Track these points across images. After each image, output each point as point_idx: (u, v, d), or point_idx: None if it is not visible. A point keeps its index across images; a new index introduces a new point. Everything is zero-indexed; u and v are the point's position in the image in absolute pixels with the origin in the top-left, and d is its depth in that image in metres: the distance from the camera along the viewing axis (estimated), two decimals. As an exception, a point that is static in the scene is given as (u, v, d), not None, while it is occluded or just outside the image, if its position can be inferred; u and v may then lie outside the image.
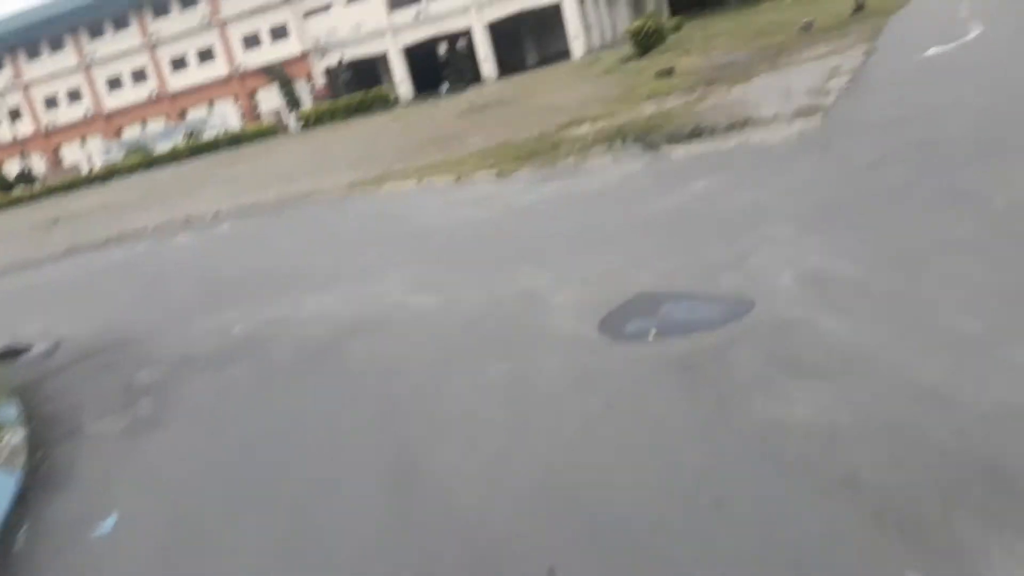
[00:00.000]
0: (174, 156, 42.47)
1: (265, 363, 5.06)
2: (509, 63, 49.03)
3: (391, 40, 48.88)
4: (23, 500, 3.52)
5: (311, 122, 39.91)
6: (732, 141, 8.30)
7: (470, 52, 51.50)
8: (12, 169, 55.04)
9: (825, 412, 2.80)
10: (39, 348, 6.90)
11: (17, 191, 46.57)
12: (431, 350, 4.52)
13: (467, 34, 49.72)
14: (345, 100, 41.70)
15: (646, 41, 23.59)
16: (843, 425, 2.70)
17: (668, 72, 16.56)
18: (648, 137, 9.90)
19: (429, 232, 8.04)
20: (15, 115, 56.10)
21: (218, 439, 4.02)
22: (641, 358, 3.62)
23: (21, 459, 3.88)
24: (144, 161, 43.37)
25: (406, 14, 48.29)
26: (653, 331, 3.88)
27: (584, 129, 12.44)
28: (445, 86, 44.66)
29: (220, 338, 5.97)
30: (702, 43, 23.23)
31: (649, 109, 12.62)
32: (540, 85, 25.86)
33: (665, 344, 3.71)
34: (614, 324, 4.16)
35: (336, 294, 6.39)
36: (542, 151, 11.35)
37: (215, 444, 3.97)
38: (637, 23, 24.46)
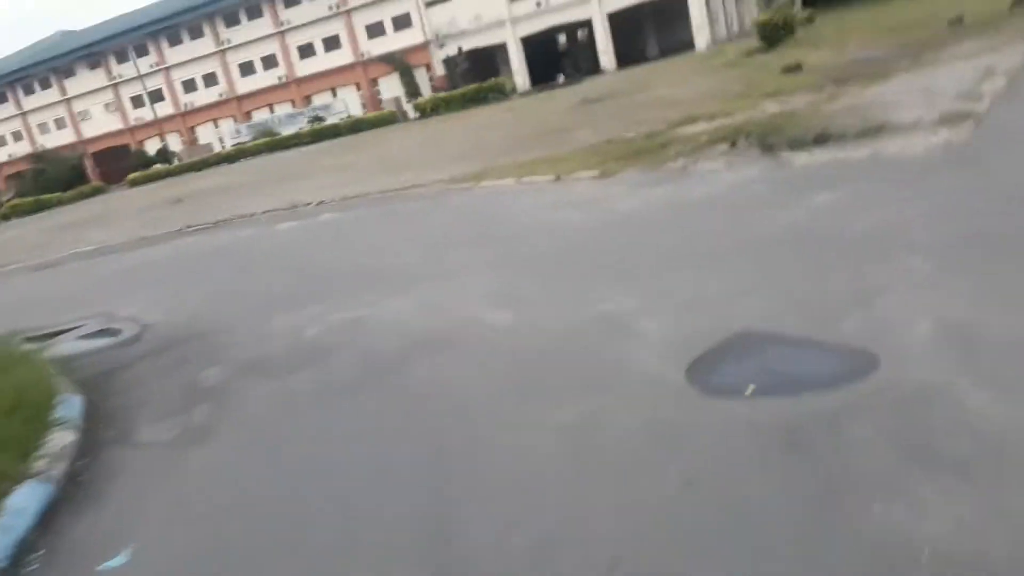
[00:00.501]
0: (297, 140, 44.05)
1: (327, 376, 4.75)
2: (629, 54, 47.86)
3: (510, 30, 48.71)
4: (48, 518, 3.33)
5: (427, 111, 40.31)
6: (864, 150, 7.33)
7: (589, 43, 50.67)
8: (153, 147, 58.94)
9: (969, 531, 2.13)
10: (126, 334, 6.95)
11: (155, 168, 49.72)
12: (496, 383, 4.05)
13: (587, 24, 48.93)
14: (461, 90, 41.88)
15: (774, 34, 22.16)
16: (995, 556, 2.02)
17: (796, 68, 15.36)
18: (767, 140, 9.03)
19: (518, 236, 7.58)
20: (156, 97, 59.83)
21: (259, 464, 3.72)
22: (734, 421, 3.01)
23: (62, 466, 3.72)
24: (269, 143, 45.26)
25: (526, 4, 47.98)
26: (752, 386, 3.24)
27: (698, 127, 11.62)
28: (562, 77, 44.06)
29: (292, 340, 5.75)
30: (835, 37, 21.55)
31: (771, 108, 11.64)
32: (658, 78, 24.87)
33: (765, 405, 3.08)
34: (707, 369, 3.55)
35: (413, 299, 6.04)
36: (650, 150, 10.66)
37: (255, 470, 3.67)
38: (765, 15, 23.02)
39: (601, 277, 5.45)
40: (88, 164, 60.24)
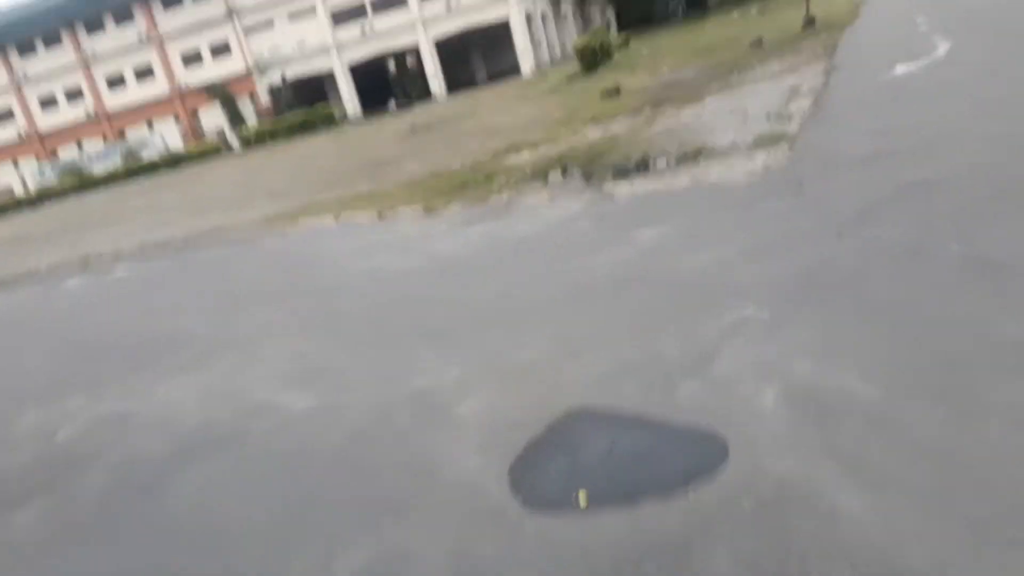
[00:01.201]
0: (111, 178, 40.32)
1: (64, 508, 3.70)
2: (459, 79, 48.03)
3: (336, 57, 47.48)
4: None
5: (253, 141, 38.23)
6: (684, 177, 7.15)
7: (418, 69, 50.38)
8: (-65, 192, 52.07)
9: None
10: None
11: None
12: (275, 505, 3.22)
13: (415, 51, 48.62)
14: (288, 119, 40.13)
15: (592, 59, 22.65)
16: None
17: (614, 92, 15.55)
18: (590, 169, 8.77)
19: (332, 288, 6.75)
20: (-62, 136, 53.05)
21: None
22: (565, 553, 2.39)
23: None
24: (79, 183, 41.11)
25: (351, 30, 46.97)
26: (584, 493, 2.65)
27: (523, 157, 11.29)
28: (392, 103, 43.43)
29: (39, 445, 4.60)
30: (650, 60, 22.37)
31: (593, 134, 11.53)
32: (485, 104, 24.77)
33: (601, 524, 2.49)
34: (534, 468, 2.93)
35: (198, 379, 5.05)
36: (475, 183, 10.16)
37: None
38: (583, 40, 23.50)
39: (419, 340, 4.75)
40: None
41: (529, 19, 45.35)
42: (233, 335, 5.99)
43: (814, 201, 5.56)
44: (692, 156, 7.81)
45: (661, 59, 21.69)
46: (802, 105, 9.10)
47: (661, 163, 7.97)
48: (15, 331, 8.73)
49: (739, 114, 9.54)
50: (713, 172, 6.98)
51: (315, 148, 25.35)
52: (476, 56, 52.30)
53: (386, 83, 52.14)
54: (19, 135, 51.87)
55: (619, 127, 11.48)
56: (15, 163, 52.61)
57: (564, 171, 9.13)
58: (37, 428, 4.91)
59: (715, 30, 27.76)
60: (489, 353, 4.25)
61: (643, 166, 8.08)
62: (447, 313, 5.18)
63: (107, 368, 5.95)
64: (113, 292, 9.50)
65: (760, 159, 6.93)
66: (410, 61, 52.49)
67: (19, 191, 48.34)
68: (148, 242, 12.52)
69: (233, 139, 39.89)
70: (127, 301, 8.75)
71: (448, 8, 44.62)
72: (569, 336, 4.19)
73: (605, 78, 19.70)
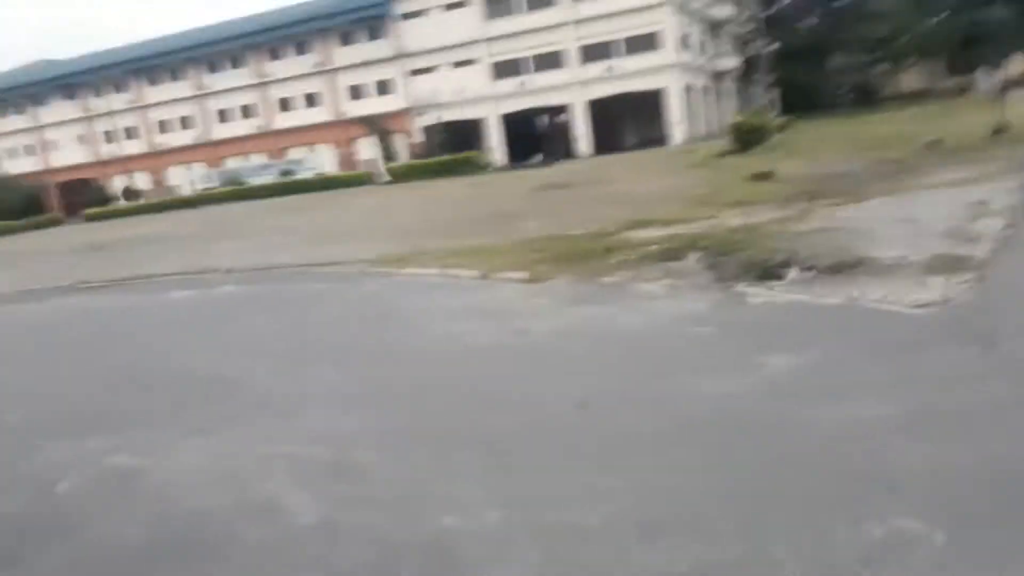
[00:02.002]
0: (265, 191, 42.64)
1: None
2: (607, 142, 47.74)
3: (491, 106, 48.57)
4: None
5: (399, 176, 39.35)
6: (837, 294, 5.94)
7: (568, 127, 50.59)
8: (122, 183, 57.26)
9: None
10: None
11: (113, 205, 47.95)
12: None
13: (567, 109, 48.94)
14: (435, 160, 41.09)
15: (748, 138, 21.43)
16: None
17: (765, 176, 14.32)
18: (723, 261, 7.68)
19: (405, 353, 6.04)
20: (130, 134, 58.52)
21: None
22: None
23: None
24: (235, 192, 43.81)
25: (510, 83, 47.95)
26: None
27: (651, 233, 10.32)
28: (538, 157, 43.59)
29: (36, 495, 4.08)
30: (809, 147, 20.84)
31: (734, 220, 10.39)
32: (626, 170, 23.99)
33: None
34: None
35: (217, 446, 4.41)
36: (592, 254, 9.28)
37: None
38: (739, 117, 22.36)
39: (474, 453, 3.88)
40: (53, 194, 58.30)
41: (687, 90, 44.59)
42: (276, 394, 5.35)
43: (1011, 359, 4.22)
44: (849, 267, 6.57)
45: (822, 148, 20.14)
46: (991, 225, 7.61)
47: (809, 270, 6.78)
48: (87, 341, 8.62)
49: (909, 224, 8.17)
50: (874, 292, 5.73)
51: (451, 191, 25.41)
52: (628, 120, 51.95)
53: (535, 136, 52.76)
54: (195, 141, 56.23)
55: (765, 216, 10.29)
56: (188, 165, 56.99)
57: (693, 258, 8.08)
58: (38, 473, 4.41)
59: (886, 124, 25.77)
60: (555, 500, 3.28)
61: (786, 269, 6.92)
62: (521, 420, 4.27)
63: (142, 406, 5.47)
64: (204, 312, 9.29)
65: (936, 286, 5.61)
66: (561, 119, 52.96)
67: (186, 191, 52.13)
68: (263, 264, 12.47)
69: (382, 171, 41.21)
70: (208, 326, 8.46)
71: (608, 71, 44.62)
72: (629, 509, 3.15)
73: (758, 160, 18.44)
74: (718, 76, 54.00)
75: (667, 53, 43.04)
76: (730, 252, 8.12)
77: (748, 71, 57.26)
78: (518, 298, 7.67)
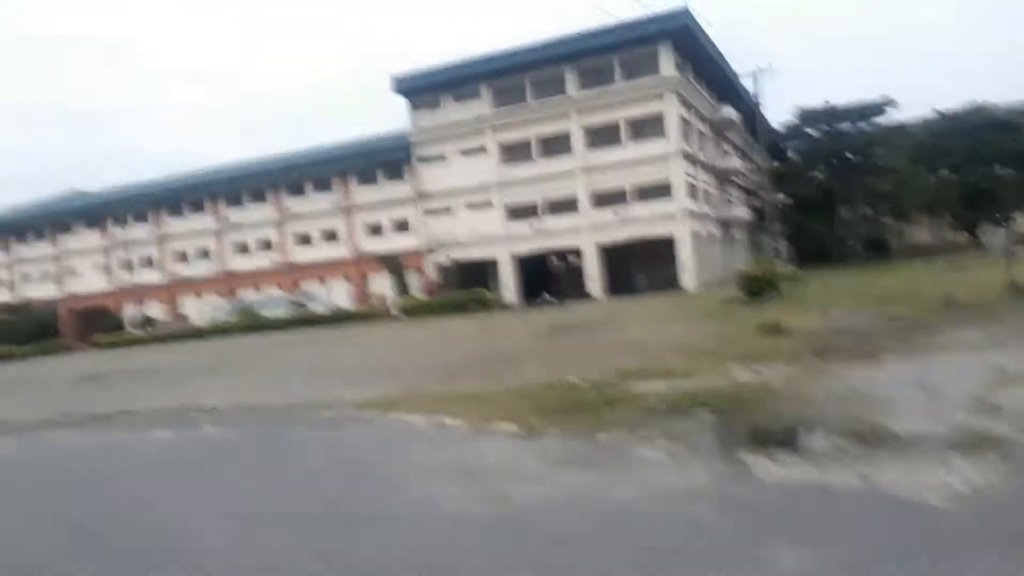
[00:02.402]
0: (275, 324, 42.76)
1: None
2: (619, 284, 48.10)
3: (504, 247, 49.42)
4: None
5: (410, 313, 39.45)
6: (850, 472, 5.33)
7: (579, 269, 51.25)
8: (136, 312, 57.83)
9: None
10: None
11: (123, 335, 48.12)
12: None
13: (578, 251, 49.75)
14: (446, 298, 41.36)
15: (756, 288, 21.27)
16: None
17: (774, 329, 13.92)
18: (727, 424, 7.13)
19: (364, 526, 5.43)
20: (147, 263, 59.73)
21: None
22: None
23: None
24: (246, 324, 43.96)
25: (523, 225, 49.02)
26: None
27: (653, 386, 9.82)
28: (548, 297, 43.78)
29: None
30: (819, 300, 20.58)
31: (740, 375, 9.90)
32: (635, 315, 23.78)
33: None
34: None
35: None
36: (590, 407, 8.76)
37: None
38: (747, 269, 22.32)
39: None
40: (68, 320, 58.80)
41: (697, 237, 45.36)
42: (222, 561, 4.73)
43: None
44: (864, 439, 6.00)
45: (832, 301, 19.87)
46: (1013, 396, 7.06)
47: (820, 440, 6.22)
48: (40, 489, 8.04)
49: (926, 390, 7.63)
50: (891, 473, 5.12)
51: (458, 329, 25.19)
52: (640, 264, 52.58)
53: (546, 277, 53.38)
54: (210, 273, 57.21)
55: (772, 373, 9.80)
56: (201, 295, 57.66)
57: (696, 418, 7.54)
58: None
59: (897, 278, 25.67)
60: None
61: (795, 438, 6.36)
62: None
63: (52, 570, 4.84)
64: (174, 458, 8.71)
65: (961, 469, 5.01)
66: (572, 261, 53.76)
67: (200, 322, 52.45)
68: (249, 403, 11.99)
69: (394, 308, 41.38)
70: (175, 475, 7.87)
71: (617, 217, 45.63)
72: None
73: (766, 311, 18.14)
74: (728, 224, 55.21)
75: (676, 201, 44.12)
76: (736, 413, 7.58)
77: (758, 220, 58.58)
78: (505, 455, 7.09)
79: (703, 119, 51.40)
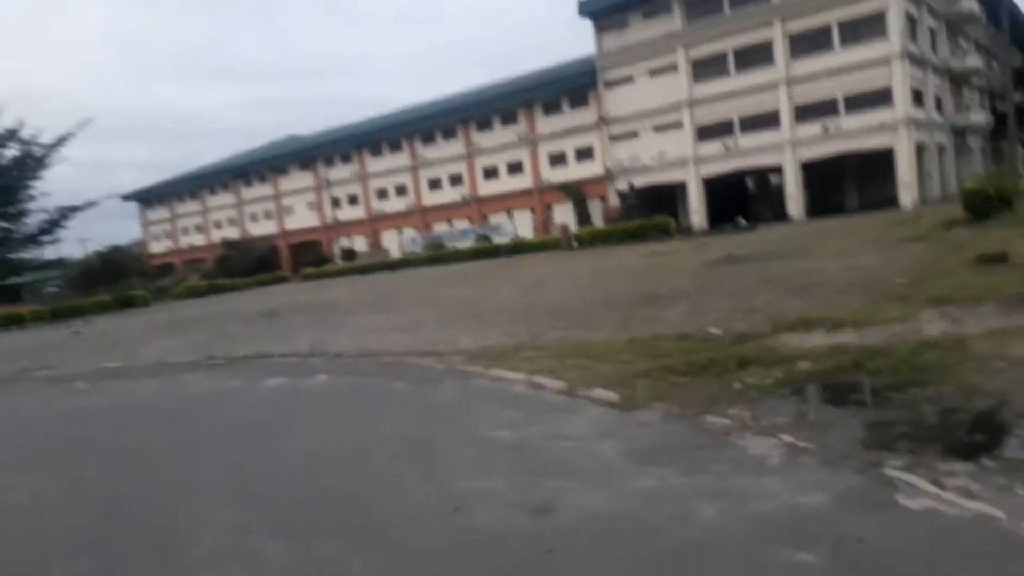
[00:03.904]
0: (458, 255, 43.49)
1: None
2: (823, 204, 43.37)
3: (692, 169, 46.27)
4: None
5: (585, 243, 38.16)
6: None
7: (778, 189, 46.75)
8: (342, 245, 62.02)
9: None
10: None
11: (326, 266, 51.52)
12: None
13: (777, 170, 45.23)
14: (623, 225, 39.42)
15: (983, 206, 17.30)
16: None
17: (997, 258, 10.89)
18: (888, 405, 5.15)
19: (388, 525, 4.34)
20: (352, 200, 63.37)
21: None
22: None
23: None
24: (433, 256, 45.15)
25: (713, 145, 45.41)
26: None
27: (812, 340, 7.81)
28: (740, 222, 40.25)
29: None
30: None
31: (933, 326, 7.56)
32: (832, 240, 20.64)
33: None
34: None
35: None
36: (720, 369, 7.03)
37: None
38: (973, 183, 18.20)
39: None
40: (285, 254, 64.47)
41: (920, 149, 39.23)
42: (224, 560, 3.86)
43: None
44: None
45: (1091, 219, 15.69)
46: None
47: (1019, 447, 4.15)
48: (120, 436, 7.82)
49: None
50: None
51: (625, 261, 23.50)
52: (849, 181, 46.99)
53: (739, 199, 49.34)
54: (407, 208, 59.44)
55: (978, 327, 7.36)
56: (399, 230, 60.34)
57: (844, 394, 5.63)
58: None
59: None
60: None
61: (981, 440, 4.32)
62: None
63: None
64: (263, 415, 8.21)
65: None
66: (773, 181, 49.08)
67: (395, 254, 54.99)
68: (372, 348, 11.46)
69: (570, 238, 40.20)
70: (252, 434, 7.31)
71: (824, 131, 40.61)
72: None
73: (993, 235, 14.62)
74: (962, 133, 47.34)
75: (897, 109, 38.23)
76: (906, 390, 5.53)
77: (1001, 127, 49.70)
78: (588, 435, 5.67)
79: (934, 14, 43.76)
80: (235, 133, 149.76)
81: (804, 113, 41.70)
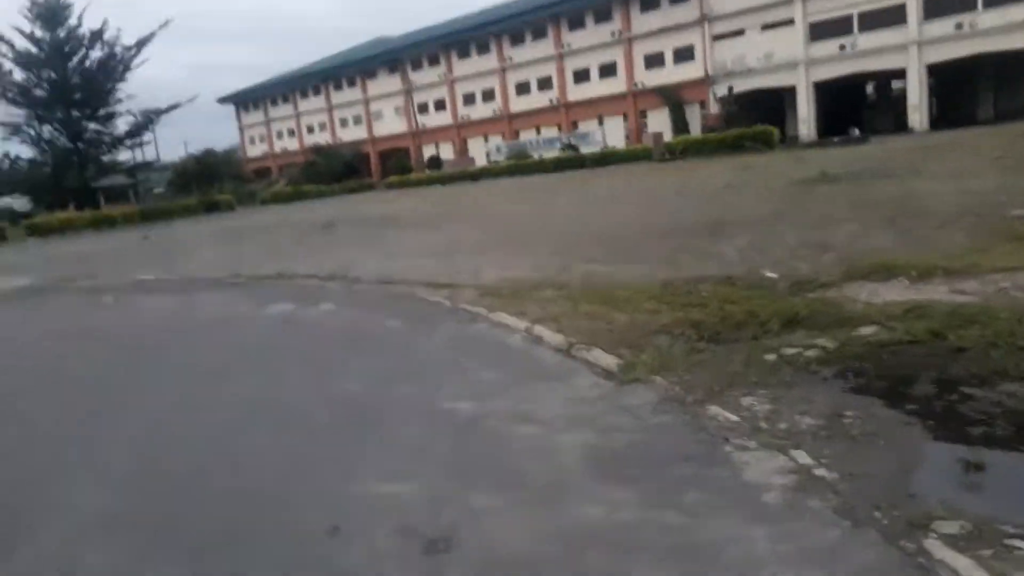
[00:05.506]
0: (541, 166, 41.79)
1: None
2: (952, 114, 38.86)
3: (803, 73, 42.09)
4: None
5: (676, 153, 35.61)
6: None
7: (899, 96, 42.07)
8: (429, 152, 60.96)
9: None
10: None
11: (410, 175, 50.82)
12: None
13: (900, 74, 40.48)
14: (721, 135, 36.40)
15: None
16: None
17: None
18: (967, 415, 3.65)
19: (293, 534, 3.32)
20: (439, 106, 61.72)
21: None
22: None
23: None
24: (515, 167, 43.60)
25: (828, 46, 41.01)
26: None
27: (888, 292, 6.18)
28: (854, 132, 36.38)
29: None
30: None
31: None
32: (954, 156, 17.95)
33: None
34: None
35: None
36: (758, 329, 5.58)
37: None
38: None
39: None
40: (375, 161, 63.98)
41: (1075, 47, 33.94)
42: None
43: None
44: None
45: None
46: None
47: None
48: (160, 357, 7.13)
49: None
50: None
51: (710, 176, 21.39)
52: (984, 87, 41.65)
53: (856, 107, 44.85)
54: (494, 114, 57.39)
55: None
56: (486, 137, 58.46)
57: (900, 391, 4.13)
58: None
59: None
60: None
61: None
62: None
63: None
64: (255, 354, 7.36)
65: None
66: (895, 88, 44.17)
67: (481, 162, 53.40)
68: (392, 275, 10.42)
69: (661, 148, 37.47)
70: (228, 379, 6.45)
71: (957, 29, 35.76)
72: None
73: None
74: None
75: (1047, 1, 32.99)
76: (992, 383, 3.98)
77: None
78: (558, 421, 4.44)
79: None
80: (333, 36, 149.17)
81: (934, 8, 36.70)
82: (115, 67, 42.64)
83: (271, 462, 4.35)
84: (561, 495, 3.53)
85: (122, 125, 44.31)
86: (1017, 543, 2.66)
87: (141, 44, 42.79)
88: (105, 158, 44.09)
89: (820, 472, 3.34)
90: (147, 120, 44.11)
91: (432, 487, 3.76)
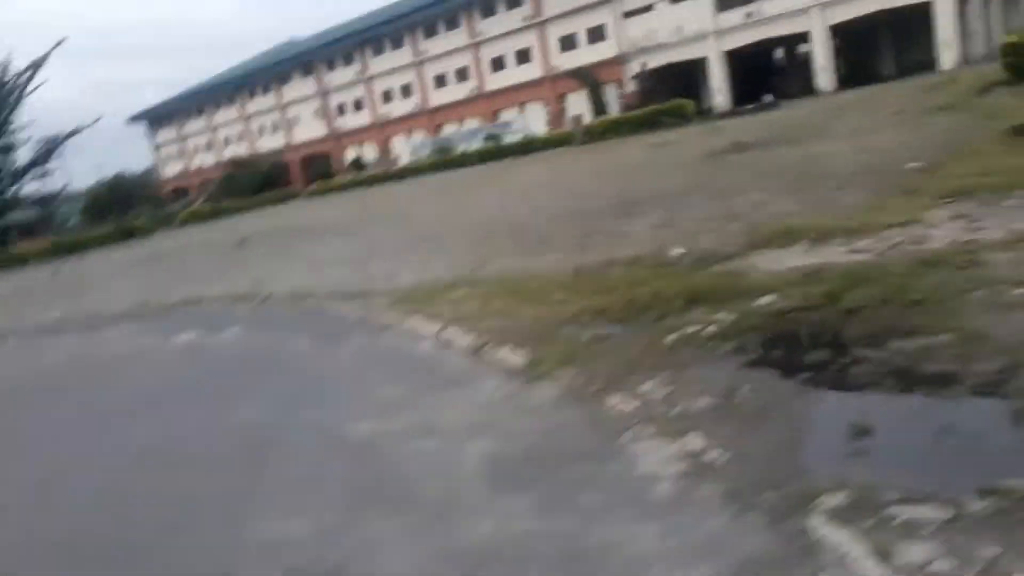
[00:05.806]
0: (466, 160, 41.35)
1: None
2: (857, 72, 39.91)
3: (713, 44, 42.75)
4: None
5: (595, 135, 35.73)
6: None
7: (806, 60, 43.12)
8: (352, 155, 59.61)
9: None
10: None
11: (335, 180, 49.68)
12: None
13: (806, 37, 41.50)
14: (637, 113, 36.70)
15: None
16: None
17: (1037, 132, 8.93)
18: (855, 378, 3.64)
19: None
20: (357, 106, 60.48)
21: None
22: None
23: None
24: (440, 163, 43.06)
25: (735, 15, 41.71)
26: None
27: (789, 258, 6.22)
28: (768, 98, 37.12)
29: None
30: None
31: (942, 232, 5.89)
32: (855, 115, 18.41)
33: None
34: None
35: None
36: (657, 313, 5.53)
37: None
38: (1015, 35, 15.50)
39: None
40: (295, 168, 62.09)
41: (963, 2, 35.29)
42: None
43: None
44: None
45: None
46: None
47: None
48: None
49: None
50: None
51: (626, 155, 21.54)
52: (884, 45, 43.04)
53: (767, 75, 45.80)
54: (414, 110, 56.60)
55: (997, 229, 5.66)
56: (408, 134, 57.50)
57: (794, 360, 4.13)
58: None
59: None
60: None
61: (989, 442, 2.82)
62: None
63: None
64: (146, 390, 6.99)
65: None
66: (802, 51, 45.28)
67: (405, 161, 52.47)
68: (304, 288, 10.11)
69: (579, 131, 37.60)
70: (118, 420, 6.08)
71: (855, -12, 36.79)
72: None
73: (1037, 99, 12.44)
74: (1009, -23, 42.55)
75: (934, -46, 34.26)
76: (882, 343, 3.99)
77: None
78: (460, 430, 4.29)
79: None
80: (246, 41, 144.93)
81: (832, -31, 37.76)
82: (8, 94, 40.37)
83: (159, 511, 4.08)
84: (456, 513, 3.39)
85: (24, 155, 42.00)
86: (897, 509, 2.62)
87: (36, 66, 40.63)
88: (7, 193, 41.76)
89: (711, 456, 3.28)
90: (48, 148, 41.90)
91: (324, 521, 3.56)
